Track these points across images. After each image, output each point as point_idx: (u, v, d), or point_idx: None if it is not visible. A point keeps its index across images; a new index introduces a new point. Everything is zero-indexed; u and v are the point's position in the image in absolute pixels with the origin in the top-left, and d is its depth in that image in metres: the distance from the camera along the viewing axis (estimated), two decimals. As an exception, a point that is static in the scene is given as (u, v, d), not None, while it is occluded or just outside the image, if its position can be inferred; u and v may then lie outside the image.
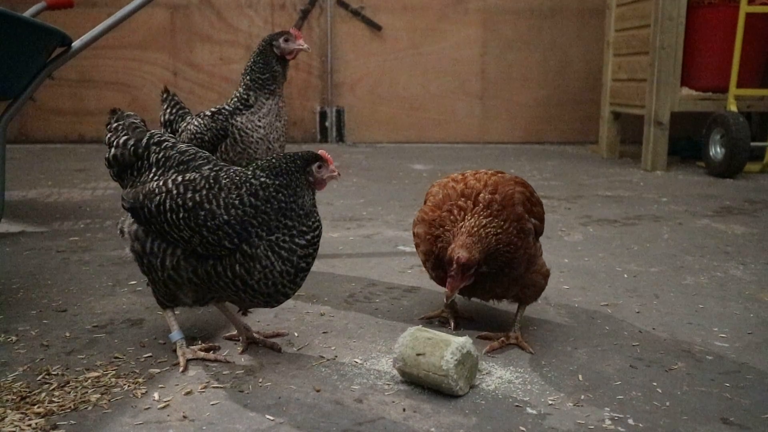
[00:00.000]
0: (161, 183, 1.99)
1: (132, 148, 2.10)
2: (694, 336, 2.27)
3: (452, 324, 2.33)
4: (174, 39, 7.76)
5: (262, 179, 1.92)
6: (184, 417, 1.71)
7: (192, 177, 1.98)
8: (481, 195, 2.01)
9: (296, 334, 2.26)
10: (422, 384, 1.86)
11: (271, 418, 1.71)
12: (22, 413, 1.71)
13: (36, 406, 1.74)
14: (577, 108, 8.00)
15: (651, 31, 5.87)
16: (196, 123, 2.72)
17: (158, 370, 1.97)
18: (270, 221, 1.90)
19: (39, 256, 3.18)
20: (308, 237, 1.92)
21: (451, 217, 1.99)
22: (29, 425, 1.65)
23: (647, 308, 2.54)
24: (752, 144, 5.51)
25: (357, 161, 6.58)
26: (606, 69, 6.98)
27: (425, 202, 2.24)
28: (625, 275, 2.94)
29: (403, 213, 4.20)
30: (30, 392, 1.82)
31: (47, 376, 1.92)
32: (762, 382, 1.94)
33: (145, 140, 2.09)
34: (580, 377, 1.95)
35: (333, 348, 2.15)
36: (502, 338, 2.17)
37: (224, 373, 1.96)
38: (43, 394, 1.81)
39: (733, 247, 3.39)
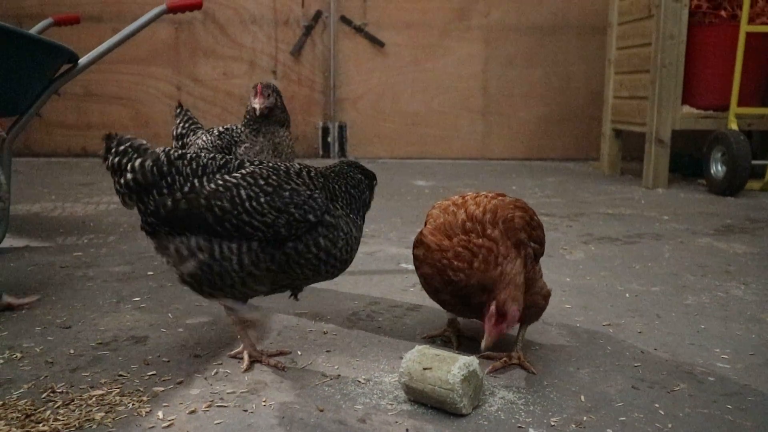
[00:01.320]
0: (220, 183, 2.03)
1: (152, 167, 2.05)
2: (696, 357, 2.28)
3: (455, 343, 2.34)
4: (178, 54, 7.81)
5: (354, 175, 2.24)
6: (189, 436, 1.72)
7: (252, 170, 2.09)
8: (489, 230, 2.00)
9: (299, 353, 2.27)
10: (426, 400, 1.87)
11: (275, 437, 1.72)
12: (27, 431, 1.72)
13: (41, 424, 1.75)
14: (578, 125, 8.03)
15: (652, 49, 5.91)
16: (204, 138, 2.87)
17: (162, 389, 1.98)
18: (338, 199, 2.15)
19: (43, 272, 3.20)
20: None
21: (479, 256, 1.96)
22: (34, 444, 1.66)
23: (649, 328, 2.54)
24: (753, 162, 5.53)
25: (359, 177, 6.59)
26: (607, 86, 7.02)
27: (425, 224, 2.25)
28: (627, 294, 2.95)
29: (405, 230, 4.22)
30: (35, 410, 1.83)
31: (52, 394, 1.93)
32: (764, 403, 1.94)
33: (164, 158, 2.07)
34: (583, 398, 1.96)
35: (336, 367, 2.16)
36: (505, 358, 2.17)
37: (228, 392, 1.97)
38: (48, 412, 1.82)
39: (735, 267, 3.40)
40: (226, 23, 7.81)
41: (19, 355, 2.21)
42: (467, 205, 2.10)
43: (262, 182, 2.05)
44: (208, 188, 2.03)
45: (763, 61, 5.98)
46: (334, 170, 2.23)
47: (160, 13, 3.78)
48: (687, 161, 6.77)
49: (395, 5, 7.84)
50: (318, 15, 7.78)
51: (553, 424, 1.81)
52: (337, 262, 2.10)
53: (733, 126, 5.67)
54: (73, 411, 1.83)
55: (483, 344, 1.92)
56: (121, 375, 2.07)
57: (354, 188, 2.20)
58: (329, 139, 8.00)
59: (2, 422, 1.76)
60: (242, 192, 2.01)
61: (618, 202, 5.27)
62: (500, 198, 2.16)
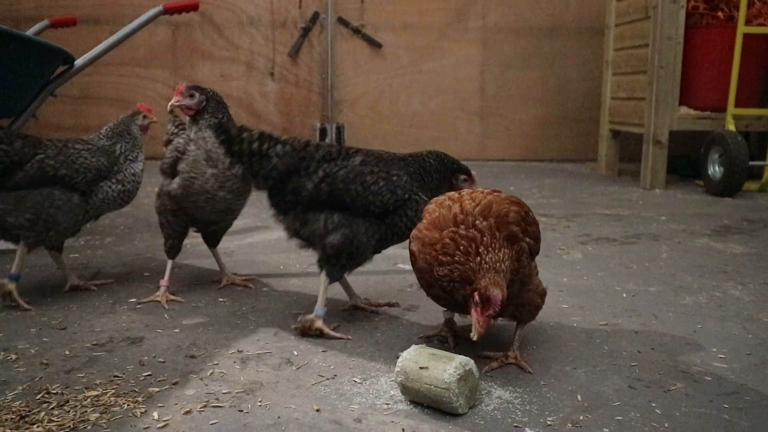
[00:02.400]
0: (349, 169, 2.44)
1: (293, 149, 2.48)
2: (692, 357, 2.27)
3: (451, 343, 2.33)
4: (175, 56, 7.81)
5: (431, 161, 2.59)
6: (183, 437, 1.71)
7: (363, 159, 2.50)
8: (478, 222, 1.99)
9: (295, 353, 2.27)
10: (422, 400, 1.87)
11: (270, 438, 1.71)
12: (21, 432, 1.71)
13: (35, 426, 1.74)
14: (576, 126, 8.04)
15: (649, 50, 5.92)
16: (179, 140, 2.82)
17: (158, 389, 1.98)
18: (423, 185, 2.54)
19: (39, 274, 3.19)
20: None
21: (460, 248, 1.96)
22: (28, 444, 1.66)
23: (646, 328, 2.54)
24: (750, 163, 5.53)
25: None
26: (605, 88, 7.02)
27: (422, 219, 2.24)
28: (624, 294, 2.95)
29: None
30: (29, 411, 1.82)
31: (46, 395, 1.92)
32: (761, 403, 1.94)
33: (302, 146, 2.49)
34: (579, 397, 1.96)
35: (332, 367, 2.16)
36: (501, 357, 2.17)
37: (224, 392, 1.97)
38: (43, 413, 1.81)
39: (732, 267, 3.39)
40: (223, 25, 7.81)
41: (14, 356, 2.20)
42: (463, 200, 2.09)
43: (376, 169, 2.46)
44: (341, 174, 2.43)
45: (760, 62, 5.99)
46: (414, 156, 2.60)
47: (156, 15, 3.78)
48: (684, 162, 6.77)
49: (393, 7, 7.85)
50: (315, 16, 7.78)
51: (549, 423, 1.80)
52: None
53: (731, 127, 5.67)
54: (68, 412, 1.83)
55: (473, 334, 1.91)
56: (116, 376, 2.07)
57: (426, 173, 2.56)
58: (327, 141, 8.00)
59: (-4, 423, 1.75)
60: (367, 177, 2.43)
61: (615, 203, 5.27)
62: (496, 194, 2.15)
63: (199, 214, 2.80)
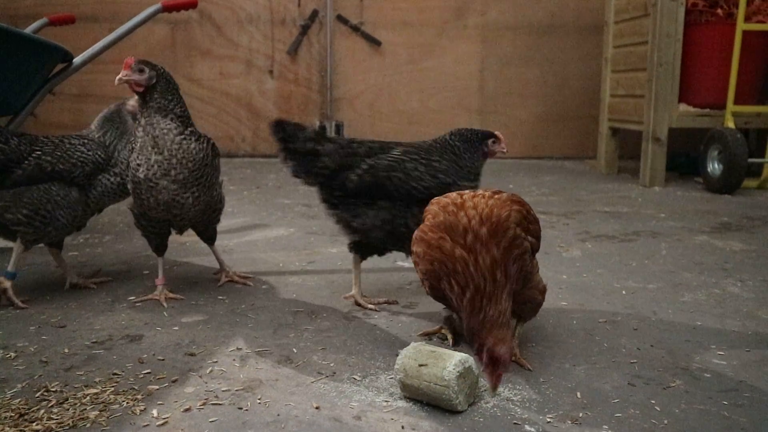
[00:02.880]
0: (390, 159, 2.57)
1: (340, 147, 2.61)
2: (692, 353, 2.27)
3: (451, 340, 2.33)
4: (174, 54, 7.80)
5: (456, 142, 2.70)
6: (183, 434, 1.71)
7: (404, 150, 2.63)
8: (481, 259, 1.97)
9: (295, 350, 2.27)
10: (421, 397, 1.87)
11: (270, 435, 1.71)
12: (20, 430, 1.71)
13: (35, 423, 1.74)
14: (575, 123, 8.03)
15: (649, 47, 5.92)
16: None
17: (157, 387, 1.98)
18: (459, 170, 2.65)
19: (38, 272, 3.19)
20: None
21: (466, 282, 1.95)
22: (28, 442, 1.66)
23: (645, 325, 2.54)
24: (750, 160, 5.53)
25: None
26: (604, 85, 7.02)
27: (424, 220, 2.24)
28: (623, 292, 2.95)
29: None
30: (28, 409, 1.82)
31: (46, 393, 1.92)
32: (760, 400, 1.94)
33: (346, 143, 2.65)
34: (579, 395, 1.96)
35: (332, 364, 2.16)
36: (501, 355, 2.17)
37: (223, 390, 1.97)
38: (42, 411, 1.81)
39: (731, 264, 3.39)
40: (222, 23, 7.80)
41: (13, 354, 2.20)
42: (466, 208, 2.07)
43: (416, 156, 2.59)
44: (383, 164, 2.55)
45: (760, 60, 5.99)
46: (441, 142, 2.70)
47: (155, 12, 3.77)
48: (684, 159, 6.77)
49: (392, 4, 7.84)
50: (314, 14, 7.77)
51: (548, 420, 1.80)
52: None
53: (730, 124, 5.67)
54: (67, 410, 1.83)
55: (491, 393, 1.91)
56: (115, 374, 2.07)
57: (458, 157, 2.66)
58: (326, 139, 7.98)
59: (-4, 421, 1.75)
60: (407, 165, 2.56)
61: (615, 200, 5.27)
62: (497, 197, 2.14)
63: (146, 209, 2.67)
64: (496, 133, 2.73)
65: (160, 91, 2.61)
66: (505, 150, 2.77)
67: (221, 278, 3.03)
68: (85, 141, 2.90)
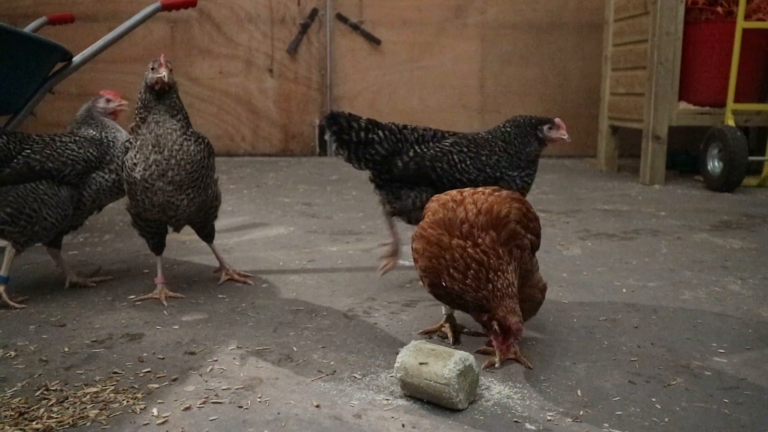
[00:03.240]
0: (438, 149, 2.70)
1: (393, 136, 2.73)
2: (692, 351, 2.27)
3: (451, 338, 2.33)
4: (174, 53, 7.79)
5: (507, 129, 2.79)
6: (183, 433, 1.71)
7: (454, 141, 2.73)
8: (480, 240, 1.98)
9: (295, 349, 2.26)
10: (422, 395, 1.86)
11: (270, 434, 1.71)
12: (20, 429, 1.71)
13: (34, 422, 1.74)
14: (575, 122, 8.01)
15: (649, 46, 5.91)
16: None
17: (157, 386, 1.97)
18: (510, 160, 2.75)
19: (38, 271, 3.19)
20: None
21: (471, 270, 1.94)
22: (28, 441, 1.65)
23: (646, 323, 2.54)
24: (750, 158, 5.53)
25: (356, 175, 6.58)
26: (604, 83, 7.01)
27: (424, 217, 2.24)
28: (624, 290, 2.95)
29: (401, 226, 4.19)
30: (28, 408, 1.82)
31: (46, 392, 1.92)
32: (760, 398, 1.94)
33: (398, 129, 2.77)
34: (579, 393, 1.96)
35: (332, 363, 2.15)
36: (501, 353, 2.17)
37: (223, 388, 1.96)
38: (42, 410, 1.81)
39: (732, 262, 3.39)
40: (222, 22, 7.80)
41: (13, 353, 2.20)
42: (465, 203, 2.08)
43: (465, 149, 2.69)
44: (429, 153, 2.68)
45: (760, 58, 5.98)
46: (493, 132, 2.79)
47: (154, 11, 3.77)
48: (684, 158, 6.76)
49: (391, 3, 7.84)
50: (314, 13, 7.77)
51: (549, 418, 1.80)
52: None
53: (730, 122, 5.67)
54: (67, 409, 1.82)
55: (497, 362, 1.93)
56: (115, 372, 2.06)
57: (508, 144, 2.74)
58: (326, 137, 7.99)
59: (-5, 420, 1.75)
60: (455, 156, 2.67)
61: (615, 199, 5.27)
62: (497, 194, 2.14)
63: (140, 209, 2.67)
64: (555, 119, 2.79)
65: (176, 90, 2.66)
66: (565, 136, 2.83)
67: (221, 276, 3.02)
68: (77, 139, 2.88)
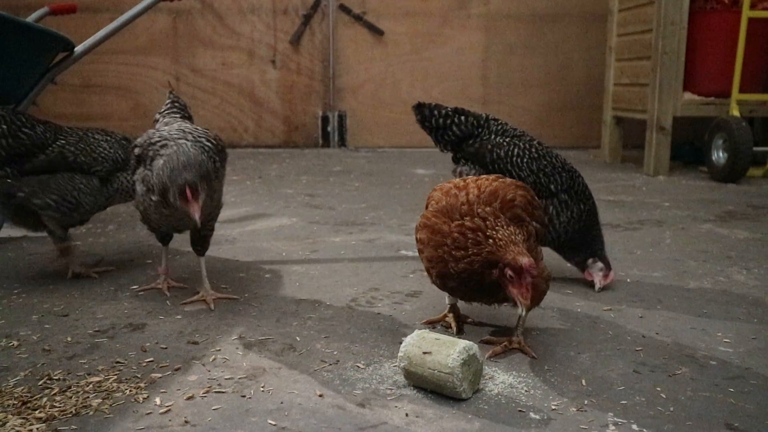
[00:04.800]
0: (505, 140, 2.78)
1: (475, 121, 2.87)
2: (697, 341, 2.26)
3: (455, 328, 2.32)
4: (176, 44, 7.77)
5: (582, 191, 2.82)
6: (186, 422, 1.71)
7: (527, 141, 2.80)
8: (480, 210, 1.98)
9: (298, 339, 2.26)
10: (426, 385, 1.86)
11: (273, 423, 1.70)
12: (23, 418, 1.70)
13: (37, 411, 1.74)
14: (579, 113, 8.00)
15: (653, 36, 5.87)
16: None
17: (160, 375, 1.97)
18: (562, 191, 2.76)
19: (41, 261, 3.18)
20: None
21: (469, 241, 1.94)
22: (30, 430, 1.65)
23: (650, 313, 2.53)
24: (755, 149, 5.50)
25: (359, 166, 6.58)
26: (608, 74, 6.98)
27: (426, 207, 2.23)
28: (628, 280, 2.93)
29: (405, 217, 4.20)
30: (31, 397, 1.82)
31: (48, 381, 1.92)
32: (766, 387, 1.93)
33: (484, 118, 2.90)
34: (584, 382, 1.95)
35: (335, 353, 2.15)
36: (505, 343, 2.16)
37: (226, 378, 1.96)
38: (45, 399, 1.80)
39: (736, 252, 3.38)
40: (224, 13, 7.77)
41: (16, 343, 2.20)
42: (468, 188, 2.07)
43: (533, 150, 2.75)
44: (494, 141, 2.79)
45: (765, 47, 5.94)
46: (571, 169, 2.82)
47: (156, 1, 3.75)
48: (688, 148, 6.74)
49: (394, -7, 7.80)
50: (317, 3, 7.74)
51: (553, 407, 1.79)
52: (553, 231, 2.70)
53: (735, 113, 5.63)
54: (70, 398, 1.82)
55: (521, 309, 1.91)
56: (118, 362, 2.06)
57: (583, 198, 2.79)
58: (329, 129, 7.97)
59: (-2, 409, 1.75)
60: (515, 150, 2.74)
61: (619, 190, 5.25)
62: (501, 180, 2.14)
63: (150, 222, 2.61)
64: (611, 272, 2.79)
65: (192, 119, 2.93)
66: (596, 287, 2.82)
67: (194, 296, 2.65)
68: (108, 138, 3.01)
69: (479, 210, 1.98)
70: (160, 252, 2.85)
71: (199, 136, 2.53)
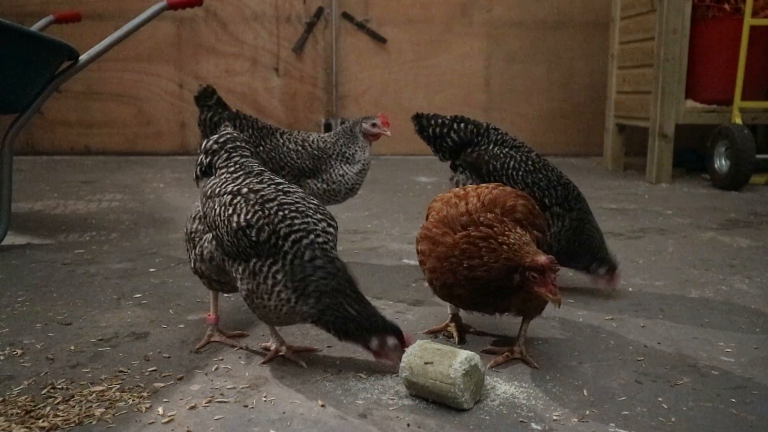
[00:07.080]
0: (503, 152, 2.81)
1: (474, 129, 2.93)
2: (699, 351, 2.26)
3: (457, 338, 2.33)
4: (180, 51, 7.80)
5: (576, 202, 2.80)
6: (189, 431, 1.71)
7: (523, 154, 2.81)
8: (483, 218, 2.00)
9: (300, 348, 2.26)
10: (427, 395, 1.86)
11: (275, 433, 1.71)
12: (26, 427, 1.71)
13: (41, 420, 1.75)
14: (581, 120, 8.00)
15: (655, 43, 5.89)
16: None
17: (163, 384, 1.98)
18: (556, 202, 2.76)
19: (44, 269, 3.19)
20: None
21: (482, 249, 1.95)
22: (34, 440, 1.66)
23: (652, 322, 2.53)
24: (757, 156, 5.50)
25: (362, 173, 6.58)
26: (610, 81, 6.99)
27: (427, 218, 2.23)
28: (630, 289, 2.93)
29: (407, 226, 4.20)
30: (35, 406, 1.82)
31: (52, 390, 1.93)
32: (768, 397, 1.93)
33: (484, 127, 2.94)
34: (585, 392, 1.95)
35: (337, 362, 2.15)
36: (507, 353, 2.16)
37: (228, 387, 1.96)
38: (48, 408, 1.81)
39: (739, 261, 3.38)
40: (227, 20, 7.80)
41: (19, 351, 2.21)
42: (468, 197, 2.08)
43: (529, 162, 2.77)
44: (492, 152, 2.83)
45: (767, 55, 5.94)
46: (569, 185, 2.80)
47: (160, 10, 3.78)
48: (691, 156, 6.74)
49: (397, 1, 7.82)
50: (320, 11, 7.76)
51: (555, 418, 1.80)
52: (544, 246, 2.65)
53: (737, 120, 5.64)
54: (73, 407, 1.83)
55: (555, 304, 1.92)
56: (121, 371, 2.07)
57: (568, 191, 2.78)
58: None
59: (2, 418, 1.75)
60: (511, 162, 2.77)
61: (621, 197, 5.25)
62: (501, 189, 2.14)
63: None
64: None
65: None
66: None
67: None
68: (299, 149, 3.28)
69: (481, 218, 1.99)
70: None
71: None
